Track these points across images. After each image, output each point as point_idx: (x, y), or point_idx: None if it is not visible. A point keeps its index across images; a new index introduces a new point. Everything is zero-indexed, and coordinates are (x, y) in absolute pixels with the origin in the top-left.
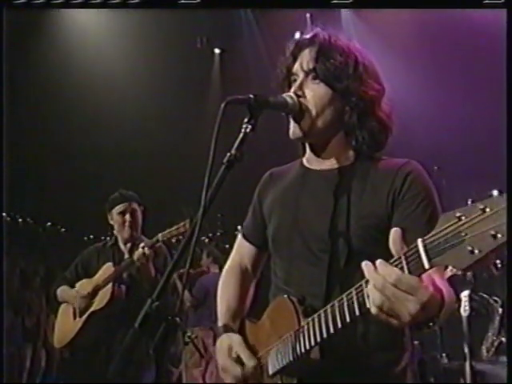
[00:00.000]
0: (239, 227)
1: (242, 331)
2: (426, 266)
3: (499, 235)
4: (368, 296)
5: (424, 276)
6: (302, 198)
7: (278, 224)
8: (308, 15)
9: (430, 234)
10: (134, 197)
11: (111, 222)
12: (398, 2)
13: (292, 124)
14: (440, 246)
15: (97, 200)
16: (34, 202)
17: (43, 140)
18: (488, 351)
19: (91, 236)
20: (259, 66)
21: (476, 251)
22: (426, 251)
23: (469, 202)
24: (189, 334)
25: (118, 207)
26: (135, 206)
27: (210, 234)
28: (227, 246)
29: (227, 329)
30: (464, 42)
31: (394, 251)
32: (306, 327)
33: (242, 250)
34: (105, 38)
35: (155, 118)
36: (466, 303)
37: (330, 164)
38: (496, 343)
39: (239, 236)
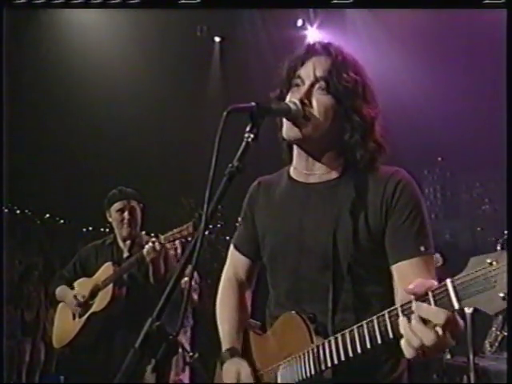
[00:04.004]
0: (240, 219)
1: (246, 343)
2: (456, 306)
3: None
4: (391, 325)
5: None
6: (300, 214)
7: (275, 240)
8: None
9: (461, 275)
10: (133, 194)
11: (110, 220)
12: (399, 2)
13: (289, 125)
14: (470, 289)
15: (95, 191)
16: (31, 193)
17: (43, 133)
18: (491, 346)
19: (90, 228)
20: (259, 53)
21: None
22: (456, 292)
23: (498, 248)
24: (191, 353)
25: (116, 205)
26: (134, 203)
27: (210, 226)
28: (227, 237)
29: (233, 352)
30: (466, 39)
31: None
32: (323, 347)
33: (235, 262)
34: (105, 28)
35: (155, 108)
36: None
37: (321, 176)
38: (499, 338)
39: (231, 247)
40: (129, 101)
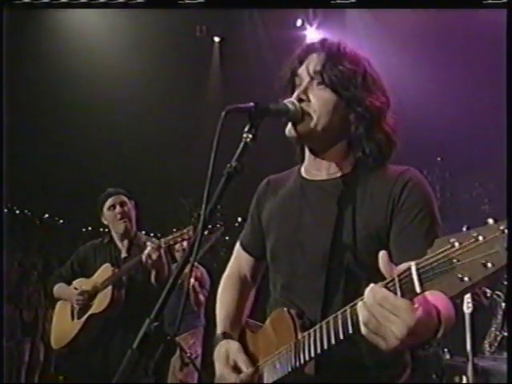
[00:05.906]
0: (239, 219)
1: (242, 340)
2: (418, 290)
3: (489, 264)
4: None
5: (416, 298)
6: (302, 211)
7: (277, 237)
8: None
9: (424, 258)
10: (122, 191)
11: (105, 222)
12: (399, 2)
13: (289, 125)
14: (432, 271)
15: (95, 191)
16: (31, 193)
17: (42, 133)
18: (491, 346)
19: (89, 228)
20: (259, 54)
21: (466, 279)
22: (419, 275)
23: (464, 229)
24: (188, 354)
25: (107, 203)
26: (124, 198)
27: (210, 226)
28: (227, 237)
29: (226, 336)
30: (465, 39)
31: (385, 274)
32: (302, 341)
33: (240, 259)
34: (104, 28)
35: (154, 108)
36: (469, 300)
37: (329, 173)
38: (499, 338)
39: (237, 245)
40: (128, 101)
